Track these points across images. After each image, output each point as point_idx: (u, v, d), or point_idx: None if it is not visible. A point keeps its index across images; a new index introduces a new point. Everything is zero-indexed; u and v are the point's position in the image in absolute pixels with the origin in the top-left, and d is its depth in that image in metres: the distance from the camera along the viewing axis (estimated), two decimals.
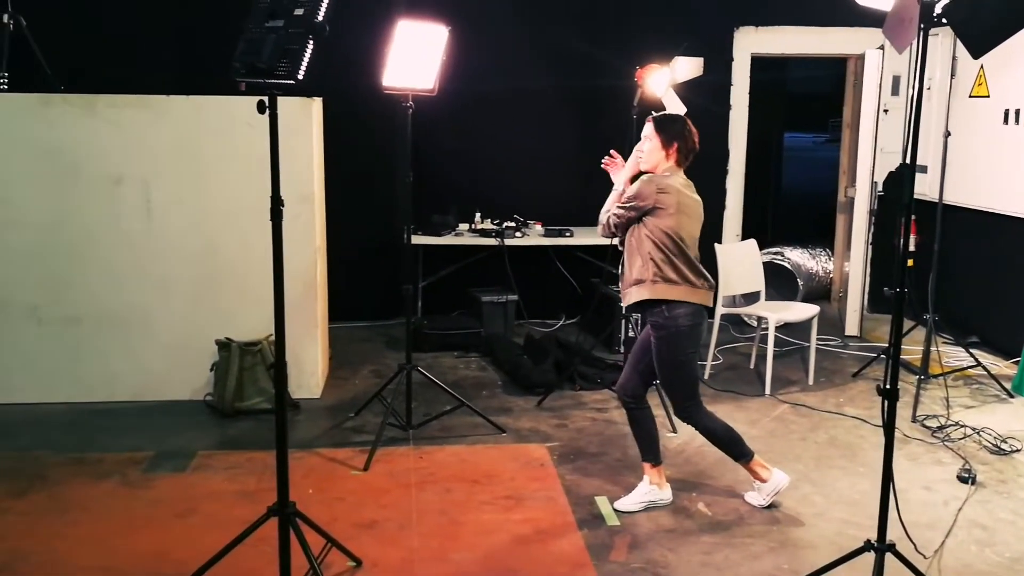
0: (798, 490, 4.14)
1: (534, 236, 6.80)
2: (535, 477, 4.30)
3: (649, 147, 3.88)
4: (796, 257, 7.71)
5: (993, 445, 4.69)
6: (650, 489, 4.00)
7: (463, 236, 6.75)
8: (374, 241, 6.95)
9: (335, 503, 3.98)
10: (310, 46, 2.81)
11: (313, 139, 5.22)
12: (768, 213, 10.34)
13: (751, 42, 7.21)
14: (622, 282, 3.97)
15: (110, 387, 5.19)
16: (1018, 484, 4.27)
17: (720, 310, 5.75)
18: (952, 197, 6.38)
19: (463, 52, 5.17)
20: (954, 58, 6.47)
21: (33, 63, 5.62)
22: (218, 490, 4.11)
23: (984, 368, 5.77)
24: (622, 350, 5.90)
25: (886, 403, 3.03)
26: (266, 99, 2.84)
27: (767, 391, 5.53)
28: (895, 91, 7.12)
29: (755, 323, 6.20)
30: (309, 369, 5.35)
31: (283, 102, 2.89)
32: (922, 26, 2.84)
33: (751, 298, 6.13)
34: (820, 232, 8.40)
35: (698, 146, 3.89)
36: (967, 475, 4.28)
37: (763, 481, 3.97)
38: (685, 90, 5.32)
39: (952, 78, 6.46)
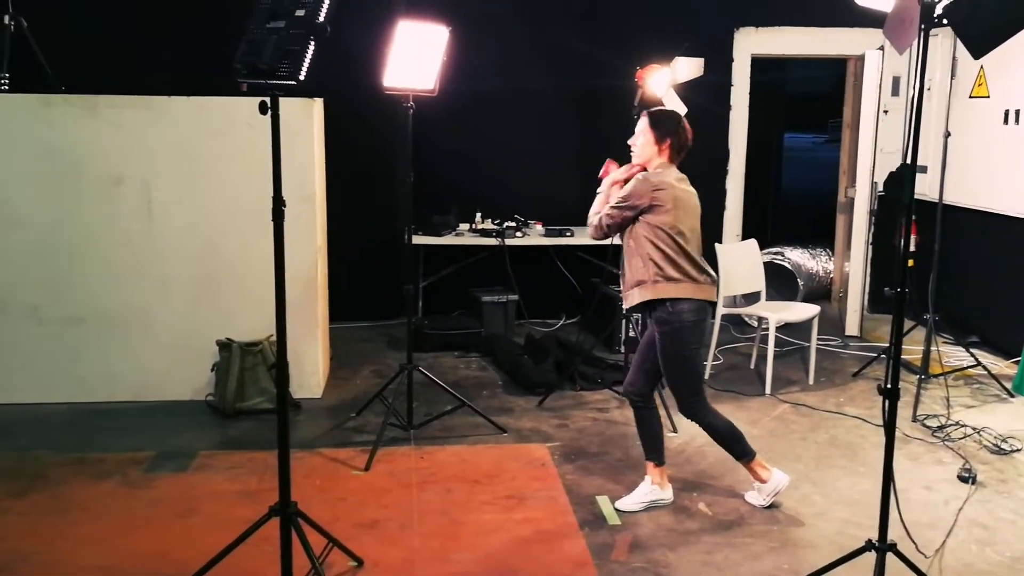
0: (799, 490, 4.15)
1: (534, 236, 6.80)
2: (536, 477, 4.30)
3: (642, 141, 3.88)
4: (796, 257, 7.70)
5: (993, 445, 4.69)
6: (652, 489, 4.00)
7: (464, 236, 6.75)
8: (375, 241, 6.95)
9: (336, 503, 3.98)
10: (311, 47, 2.81)
11: (314, 139, 5.22)
12: (768, 213, 10.34)
13: (751, 43, 7.22)
14: (623, 284, 3.97)
15: (111, 387, 5.19)
16: (1018, 484, 4.27)
17: (721, 310, 5.75)
18: (952, 197, 6.38)
19: (463, 52, 5.17)
20: (954, 59, 6.47)
21: (34, 64, 5.62)
22: (219, 490, 4.11)
23: (984, 368, 5.78)
24: (622, 350, 5.90)
25: (887, 402, 3.03)
26: (268, 100, 2.84)
27: (767, 391, 5.54)
28: (895, 92, 7.12)
29: (755, 323, 6.20)
30: (310, 369, 5.35)
31: (284, 103, 2.89)
32: (923, 27, 2.85)
33: (751, 298, 6.13)
34: (820, 232, 8.39)
35: (691, 143, 3.89)
36: (967, 475, 4.29)
37: (763, 481, 3.97)
38: (685, 90, 5.34)
39: (952, 78, 6.46)
